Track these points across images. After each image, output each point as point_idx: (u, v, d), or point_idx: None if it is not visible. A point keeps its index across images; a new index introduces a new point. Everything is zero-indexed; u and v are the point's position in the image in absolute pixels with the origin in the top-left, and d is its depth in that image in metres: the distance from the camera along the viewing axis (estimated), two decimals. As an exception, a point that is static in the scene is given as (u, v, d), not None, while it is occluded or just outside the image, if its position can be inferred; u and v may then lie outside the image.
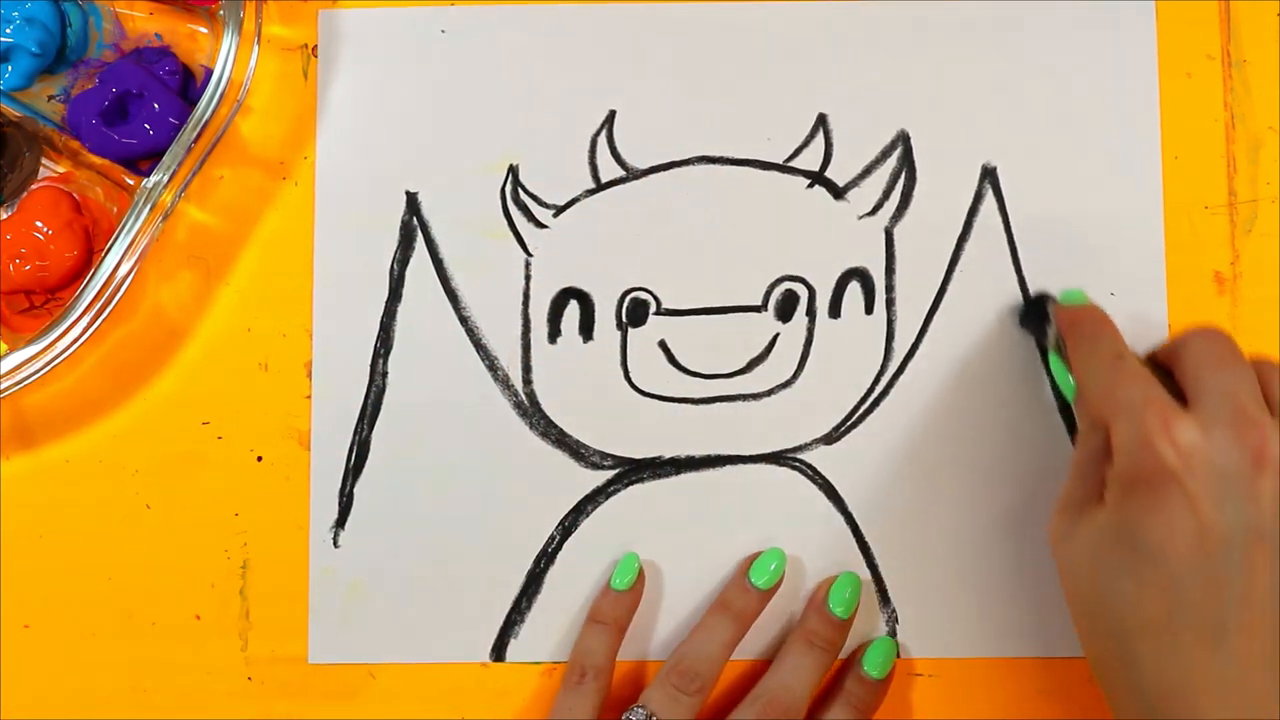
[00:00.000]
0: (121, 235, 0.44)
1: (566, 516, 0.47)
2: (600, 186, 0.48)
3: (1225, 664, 0.33)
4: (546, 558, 0.47)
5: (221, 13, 0.45)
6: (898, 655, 0.46)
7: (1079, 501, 0.38)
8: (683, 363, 0.47)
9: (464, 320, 0.47)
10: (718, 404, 0.47)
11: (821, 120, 0.48)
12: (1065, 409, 0.46)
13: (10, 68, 0.46)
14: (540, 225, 0.48)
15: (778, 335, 0.47)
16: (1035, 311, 0.46)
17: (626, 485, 0.47)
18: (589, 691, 0.44)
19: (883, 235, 0.47)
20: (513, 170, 0.48)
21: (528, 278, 0.47)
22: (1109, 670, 0.36)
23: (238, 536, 0.47)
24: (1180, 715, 0.33)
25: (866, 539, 0.47)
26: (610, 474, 0.47)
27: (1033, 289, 0.47)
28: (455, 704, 0.46)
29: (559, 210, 0.48)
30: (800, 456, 0.47)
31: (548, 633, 0.46)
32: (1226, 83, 0.48)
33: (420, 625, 0.47)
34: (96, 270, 0.44)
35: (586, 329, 0.47)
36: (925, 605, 0.46)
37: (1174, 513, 0.34)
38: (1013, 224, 0.47)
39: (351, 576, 0.47)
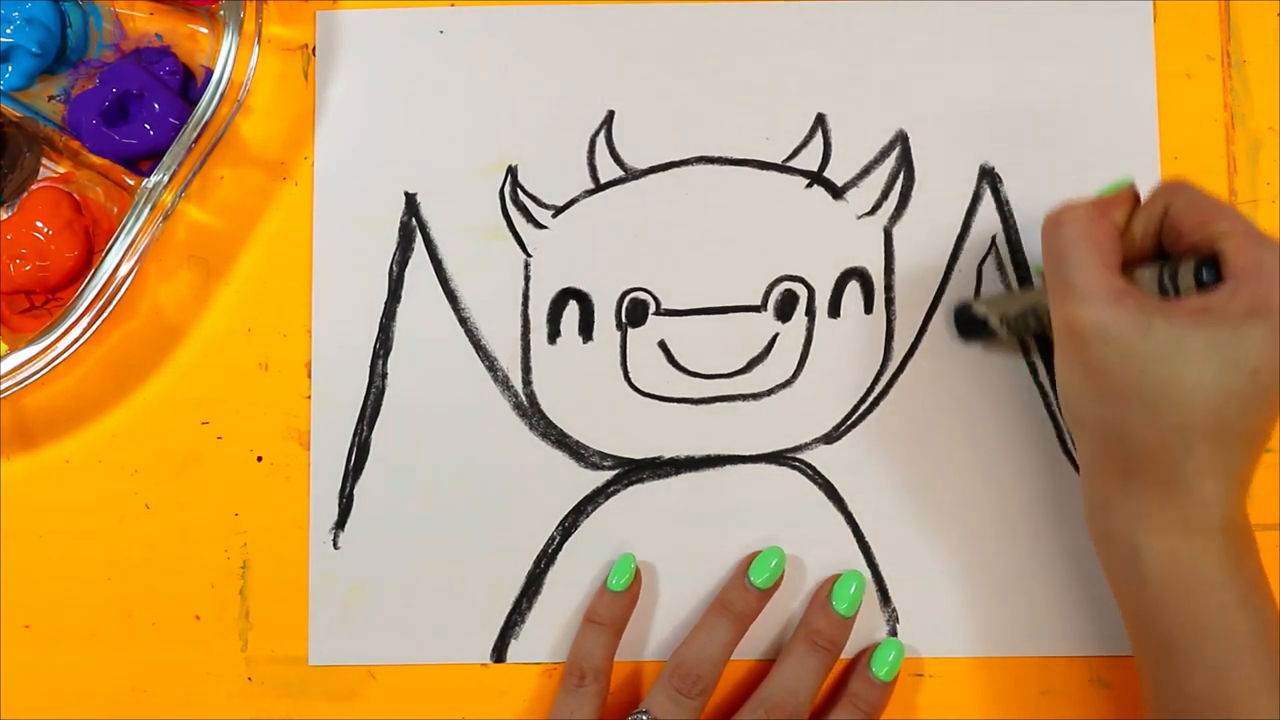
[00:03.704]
0: (121, 235, 0.44)
1: (566, 517, 0.47)
2: (599, 187, 0.48)
3: (1248, 468, 0.38)
4: (547, 558, 0.47)
5: (221, 13, 0.45)
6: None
7: (1150, 301, 0.37)
8: (682, 363, 0.47)
9: (463, 321, 0.47)
10: (717, 404, 0.47)
11: (820, 120, 0.48)
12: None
13: (10, 68, 0.46)
14: (539, 226, 0.48)
15: (777, 335, 0.47)
16: (968, 321, 0.46)
17: (626, 485, 0.47)
18: (589, 694, 0.44)
19: (882, 235, 0.47)
20: (512, 171, 0.48)
21: (527, 278, 0.47)
22: (1148, 455, 0.38)
23: (238, 536, 0.47)
24: (1203, 491, 0.38)
25: (866, 539, 0.46)
26: (610, 474, 0.47)
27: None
28: (455, 704, 0.46)
29: (558, 211, 0.48)
30: (800, 456, 0.47)
31: (548, 633, 0.46)
32: (1226, 83, 0.48)
33: (420, 626, 0.46)
34: (96, 270, 0.44)
35: (586, 329, 0.47)
36: (925, 605, 0.46)
37: None
38: (1011, 224, 0.47)
39: (351, 578, 0.47)
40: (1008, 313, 0.44)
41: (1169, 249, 0.40)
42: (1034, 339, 0.47)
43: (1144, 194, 0.40)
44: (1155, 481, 0.38)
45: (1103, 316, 0.37)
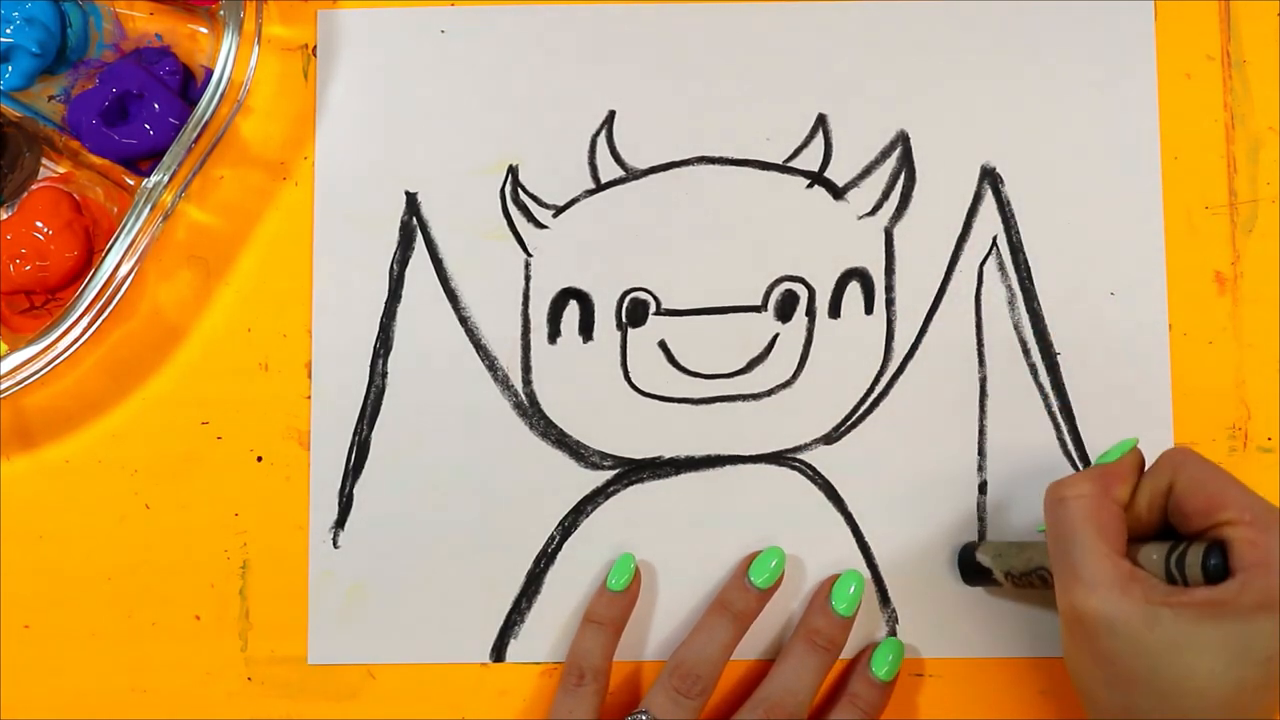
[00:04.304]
0: (121, 235, 0.44)
1: (566, 517, 0.47)
2: (600, 187, 0.48)
3: None
4: (546, 558, 0.47)
5: (221, 13, 0.45)
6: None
7: (1159, 590, 0.37)
8: (682, 363, 0.47)
9: (464, 320, 0.47)
10: (717, 404, 0.47)
11: (821, 120, 0.48)
12: (1066, 409, 0.47)
13: (10, 68, 0.46)
14: (540, 225, 0.48)
15: (777, 335, 0.47)
16: (972, 565, 0.45)
17: (626, 485, 0.47)
18: (588, 693, 0.44)
19: (882, 235, 0.47)
20: (512, 171, 0.48)
21: (527, 278, 0.47)
22: None
23: (238, 536, 0.47)
24: None
25: (866, 539, 0.47)
26: (610, 474, 0.47)
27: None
28: (455, 704, 0.46)
29: (559, 210, 0.48)
30: (800, 456, 0.47)
31: (548, 633, 0.46)
32: (1226, 83, 0.48)
33: (420, 625, 0.46)
34: (96, 270, 0.44)
35: (586, 329, 0.47)
36: (925, 605, 0.46)
37: None
38: (1012, 224, 0.47)
39: (351, 577, 0.47)
40: (1013, 569, 0.43)
41: (1175, 526, 0.39)
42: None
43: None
44: None
45: (1109, 609, 0.36)
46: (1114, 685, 0.38)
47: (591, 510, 0.47)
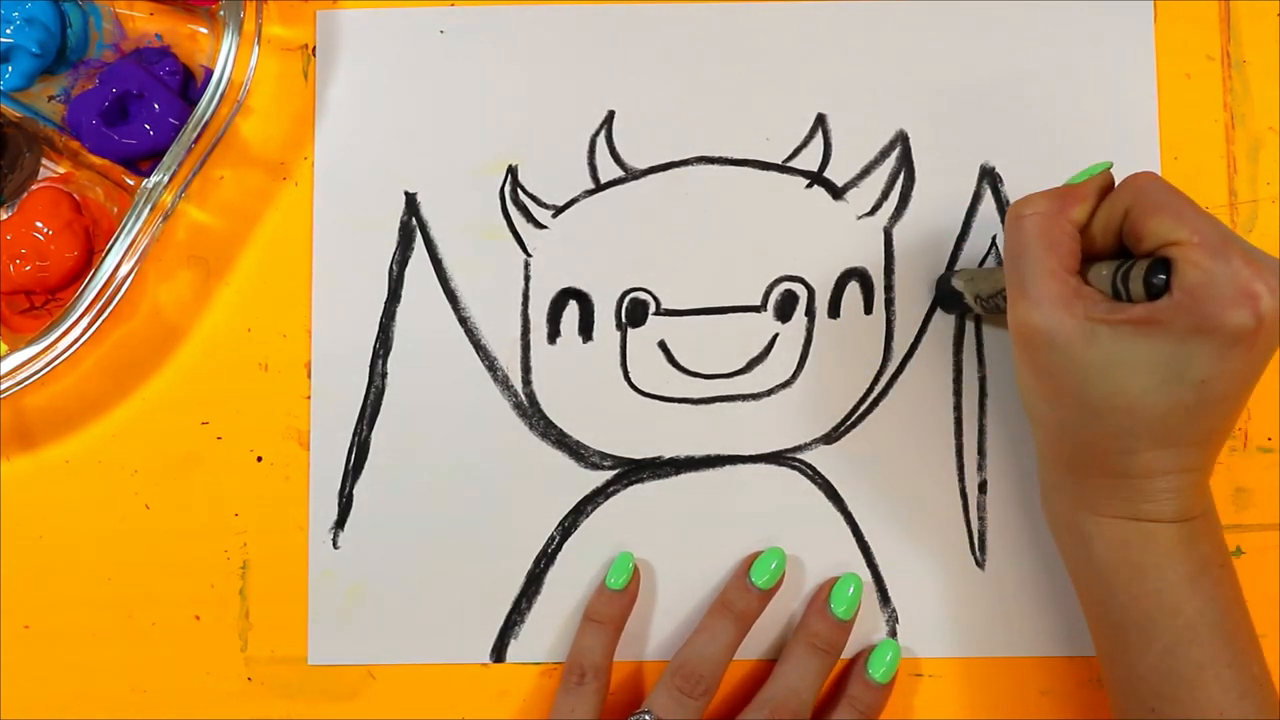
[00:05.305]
0: (121, 235, 0.44)
1: (566, 517, 0.47)
2: (599, 187, 0.48)
3: (1203, 462, 0.39)
4: (546, 558, 0.47)
5: (221, 13, 0.45)
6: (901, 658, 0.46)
7: (1100, 307, 0.37)
8: (682, 363, 0.47)
9: (463, 320, 0.47)
10: (717, 404, 0.47)
11: (820, 120, 0.48)
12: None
13: (10, 68, 0.46)
14: (539, 226, 0.48)
15: (777, 335, 0.47)
16: (947, 291, 0.46)
17: (626, 485, 0.47)
18: (589, 691, 0.44)
19: (882, 235, 0.47)
20: (512, 171, 0.48)
21: (527, 278, 0.47)
22: (1095, 454, 0.38)
23: (238, 536, 0.47)
24: (1152, 486, 0.38)
25: (866, 539, 0.47)
26: (610, 474, 0.47)
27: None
28: (455, 704, 0.46)
29: (558, 211, 0.48)
30: (800, 456, 0.47)
31: (548, 633, 0.46)
32: (1226, 83, 0.48)
33: (420, 625, 0.47)
34: (96, 270, 0.44)
35: (586, 329, 0.47)
36: (925, 606, 0.46)
37: (1235, 364, 0.36)
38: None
39: (351, 577, 0.47)
40: (981, 291, 0.44)
41: (1129, 249, 0.38)
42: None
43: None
44: (1103, 477, 0.38)
45: (1050, 323, 0.37)
46: (1051, 400, 0.38)
47: (591, 510, 0.47)
